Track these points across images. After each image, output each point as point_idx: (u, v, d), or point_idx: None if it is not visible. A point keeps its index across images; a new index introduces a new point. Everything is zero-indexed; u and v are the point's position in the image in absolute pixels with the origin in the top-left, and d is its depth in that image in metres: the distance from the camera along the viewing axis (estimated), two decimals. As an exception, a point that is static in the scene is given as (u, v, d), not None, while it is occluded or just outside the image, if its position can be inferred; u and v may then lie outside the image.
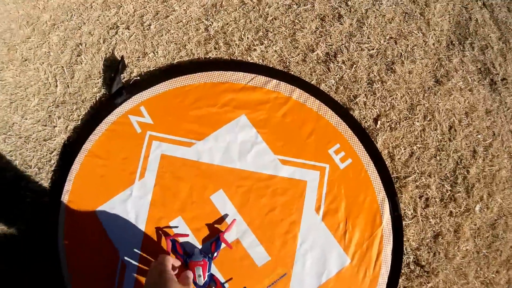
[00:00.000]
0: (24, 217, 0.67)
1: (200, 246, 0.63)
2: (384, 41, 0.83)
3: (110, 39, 0.78)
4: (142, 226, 0.63)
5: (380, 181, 0.69)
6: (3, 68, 0.76)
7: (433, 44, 0.87)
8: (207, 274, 0.60)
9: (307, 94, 0.71)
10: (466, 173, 0.78)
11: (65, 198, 0.65)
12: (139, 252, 0.63)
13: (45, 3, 0.79)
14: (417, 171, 0.76)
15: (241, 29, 0.79)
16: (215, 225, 0.63)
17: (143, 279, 0.61)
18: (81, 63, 0.76)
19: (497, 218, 0.80)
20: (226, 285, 0.62)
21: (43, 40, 0.78)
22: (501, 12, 0.97)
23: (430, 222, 0.75)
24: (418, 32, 0.87)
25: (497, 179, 0.81)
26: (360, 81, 0.79)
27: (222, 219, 0.64)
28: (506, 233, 0.80)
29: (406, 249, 0.74)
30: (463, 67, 0.87)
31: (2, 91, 0.74)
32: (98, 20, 0.79)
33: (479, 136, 0.82)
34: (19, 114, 0.73)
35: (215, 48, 0.77)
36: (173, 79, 0.71)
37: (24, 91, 0.75)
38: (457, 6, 0.94)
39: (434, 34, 0.88)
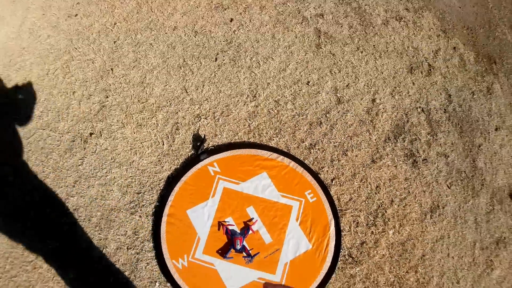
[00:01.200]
0: (141, 216, 1.97)
1: (239, 231, 1.90)
2: (344, 138, 2.14)
3: (196, 123, 2.13)
4: (210, 220, 1.88)
5: (331, 210, 1.95)
6: (123, 125, 2.12)
7: (375, 139, 2.17)
8: (242, 244, 1.85)
9: (297, 164, 2.02)
10: (384, 211, 2.02)
11: (168, 205, 1.94)
12: (208, 231, 1.89)
13: (150, 90, 2.18)
14: (353, 208, 2.00)
15: (267, 128, 2.13)
16: (247, 222, 1.88)
17: (208, 247, 1.87)
18: (179, 134, 2.09)
19: (406, 240, 2.01)
20: (250, 251, 1.86)
21: (152, 115, 2.13)
22: (437, 113, 2.29)
23: (358, 235, 1.96)
24: (366, 133, 2.17)
25: (407, 218, 2.03)
26: (326, 160, 2.09)
27: (251, 219, 1.89)
28: (413, 250, 1.99)
29: (342, 247, 1.95)
30: (393, 153, 2.16)
31: (123, 141, 2.08)
32: (188, 110, 2.15)
33: (397, 192, 2.08)
34: (137, 156, 2.05)
35: (253, 136, 2.10)
36: (231, 150, 2.04)
37: (140, 144, 2.07)
38: (399, 114, 2.26)
39: (377, 133, 2.18)
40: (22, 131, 2.08)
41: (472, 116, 2.30)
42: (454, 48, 2.50)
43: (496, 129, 2.29)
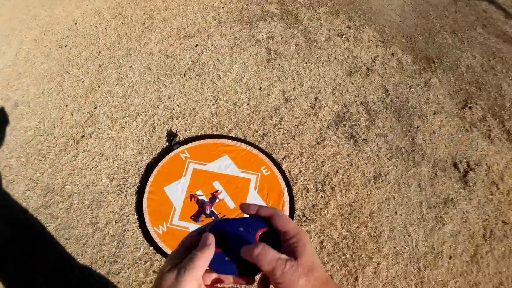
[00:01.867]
0: (126, 196, 2.88)
1: (207, 200, 2.80)
2: (292, 127, 3.09)
3: (169, 123, 3.07)
4: (184, 194, 2.71)
5: (283, 180, 2.86)
6: (109, 128, 3.08)
7: (319, 127, 3.13)
8: (211, 209, 2.76)
9: (253, 148, 2.96)
10: (331, 180, 2.90)
11: (148, 184, 2.81)
12: (182, 203, 2.76)
13: (131, 101, 3.19)
14: (302, 178, 2.88)
15: (227, 123, 3.13)
16: (214, 193, 2.73)
17: (183, 214, 2.77)
18: (155, 132, 3.00)
19: (353, 201, 2.83)
20: (218, 215, 2.74)
21: (132, 119, 3.07)
22: (375, 105, 3.27)
23: (309, 199, 2.80)
24: (311, 122, 3.13)
25: (352, 184, 2.89)
26: (277, 144, 2.99)
27: (217, 191, 2.74)
28: (361, 209, 2.74)
29: (296, 209, 2.79)
30: (335, 136, 3.09)
31: (110, 140, 2.99)
32: (162, 114, 3.08)
33: (341, 165, 2.99)
34: (121, 150, 2.92)
35: (216, 130, 3.07)
36: (198, 140, 3.00)
37: (124, 141, 2.96)
38: (340, 106, 3.25)
39: (320, 122, 3.13)
40: (21, 138, 2.98)
41: (410, 105, 3.18)
42: (392, 54, 3.50)
43: (434, 113, 3.12)
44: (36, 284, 2.43)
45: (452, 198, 2.74)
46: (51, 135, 3.03)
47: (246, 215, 0.72)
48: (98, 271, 2.46)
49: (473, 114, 3.19)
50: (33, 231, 2.62)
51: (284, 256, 0.60)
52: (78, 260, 2.50)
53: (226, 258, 0.66)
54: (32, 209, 2.68)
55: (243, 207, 0.71)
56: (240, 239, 0.67)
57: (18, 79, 3.31)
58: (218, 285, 0.69)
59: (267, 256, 0.60)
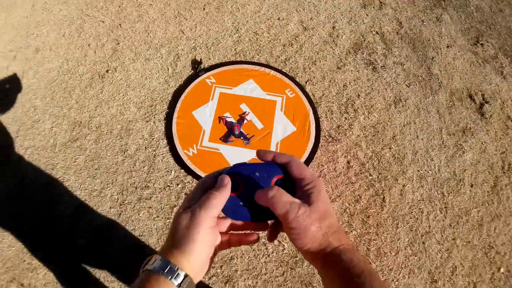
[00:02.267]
0: (155, 122, 2.69)
1: (235, 121, 2.59)
2: (312, 53, 2.91)
3: (193, 52, 2.84)
4: (212, 116, 2.51)
5: (308, 103, 2.67)
6: (134, 61, 2.86)
7: (338, 53, 2.95)
8: (239, 130, 2.57)
9: (276, 72, 2.74)
10: (353, 103, 2.74)
11: (176, 110, 2.59)
12: (211, 125, 2.56)
13: (153, 35, 2.98)
14: (326, 100, 2.70)
15: (249, 50, 2.93)
16: (242, 115, 2.53)
17: (212, 136, 2.56)
18: (180, 61, 2.78)
19: (376, 123, 2.68)
20: (247, 135, 2.56)
21: (156, 51, 2.86)
22: (390, 35, 3.10)
23: (334, 120, 2.64)
24: (330, 49, 2.95)
25: (374, 107, 2.74)
26: (299, 68, 2.79)
27: (244, 112, 2.55)
28: (384, 131, 2.64)
29: (322, 129, 2.62)
30: (354, 62, 2.92)
31: (135, 71, 2.76)
32: (185, 44, 2.86)
33: (362, 89, 2.82)
34: (147, 80, 2.69)
35: (239, 57, 2.87)
36: (223, 67, 2.78)
37: (149, 71, 2.73)
38: (357, 35, 3.06)
39: (339, 49, 2.95)
40: (45, 80, 2.77)
41: (424, 37, 3.03)
42: None
43: (447, 46, 2.96)
44: (63, 216, 2.30)
45: (470, 128, 2.61)
46: (75, 73, 2.81)
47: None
48: (129, 197, 2.33)
49: (485, 51, 3.03)
50: (62, 166, 2.47)
51: (297, 201, 0.57)
52: (109, 188, 2.36)
53: (241, 203, 0.63)
54: (60, 144, 2.51)
55: (260, 153, 0.68)
56: (256, 184, 0.64)
57: (37, 27, 3.06)
58: (233, 231, 0.66)
59: (281, 199, 0.57)
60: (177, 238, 0.56)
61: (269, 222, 0.64)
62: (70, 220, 2.27)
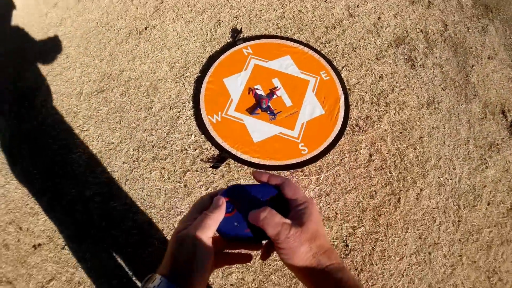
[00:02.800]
0: (185, 84, 2.43)
1: (265, 95, 2.32)
2: (354, 40, 2.57)
3: (234, 21, 2.54)
4: (242, 86, 2.22)
5: (341, 88, 2.36)
6: (174, 22, 2.58)
7: (379, 44, 2.62)
8: (267, 104, 2.28)
9: (314, 52, 2.42)
10: (386, 96, 2.42)
11: (208, 75, 2.31)
12: (239, 95, 2.29)
13: (197, 2, 2.70)
14: (359, 89, 2.37)
15: (291, 27, 2.61)
16: (272, 89, 2.24)
17: (239, 106, 2.29)
18: (220, 27, 2.47)
19: (405, 121, 2.38)
20: (274, 111, 2.28)
21: (198, 15, 2.55)
22: (434, 35, 2.74)
23: (364, 110, 2.33)
24: (372, 38, 2.61)
25: (406, 104, 2.42)
26: (338, 52, 2.46)
27: (275, 87, 2.24)
28: (412, 131, 2.34)
29: (350, 117, 2.32)
30: (394, 55, 2.58)
31: (173, 32, 2.50)
32: (228, 12, 2.54)
33: (397, 83, 2.49)
34: (184, 42, 2.41)
35: (280, 32, 2.57)
36: (262, 39, 2.46)
37: (188, 34, 2.45)
38: (401, 30, 2.71)
39: (381, 40, 2.61)
40: (82, 29, 2.55)
41: (466, 43, 2.66)
42: None
43: (488, 58, 2.60)
44: (75, 165, 2.12)
45: (497, 144, 2.30)
46: (113, 26, 2.57)
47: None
48: (144, 155, 2.11)
49: (525, 69, 2.58)
50: (84, 115, 2.28)
51: (288, 221, 0.55)
52: (126, 143, 2.16)
53: (235, 224, 0.60)
54: (86, 93, 2.31)
55: (255, 175, 0.64)
56: (250, 204, 0.60)
57: (83, -22, 2.75)
58: (227, 251, 0.63)
59: (273, 220, 0.55)
60: (178, 265, 0.53)
61: (263, 242, 0.61)
62: (81, 170, 2.08)
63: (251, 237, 0.59)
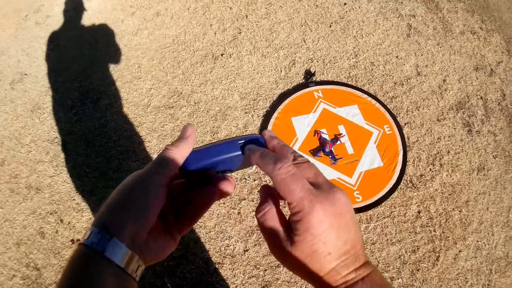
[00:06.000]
0: (253, 116, 2.55)
1: (329, 139, 2.42)
2: (418, 98, 2.67)
3: (309, 63, 2.67)
4: (309, 128, 2.35)
5: (401, 143, 2.45)
6: (250, 53, 2.71)
7: (442, 106, 2.70)
8: (330, 149, 2.39)
9: (381, 105, 2.53)
10: (442, 157, 2.51)
11: (277, 111, 2.44)
12: (305, 135, 2.40)
13: (276, 35, 2.82)
14: (417, 147, 2.44)
15: (362, 77, 2.72)
16: (337, 135, 2.35)
17: (303, 146, 2.42)
18: (295, 67, 2.61)
19: (456, 183, 2.46)
20: (336, 156, 2.39)
21: (275, 51, 2.67)
22: (492, 104, 2.81)
23: (419, 168, 2.40)
24: (436, 99, 2.70)
25: (458, 168, 2.51)
26: (403, 109, 2.60)
27: (340, 134, 2.36)
28: (460, 194, 2.35)
29: (406, 173, 2.42)
30: (454, 119, 2.66)
31: (249, 63, 2.66)
32: (304, 53, 2.69)
33: (453, 147, 2.57)
34: (258, 75, 2.54)
35: (350, 81, 2.67)
36: (333, 85, 2.59)
37: (263, 68, 2.58)
38: (463, 94, 2.77)
39: (443, 102, 2.69)
40: (158, 43, 2.68)
41: None
42: None
43: None
44: (130, 173, 2.20)
45: None
46: (189, 46, 2.70)
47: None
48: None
49: None
50: (148, 127, 2.39)
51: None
52: None
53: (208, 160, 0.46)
54: (153, 107, 2.42)
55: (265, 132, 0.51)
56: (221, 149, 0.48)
57: (164, -6, 2.91)
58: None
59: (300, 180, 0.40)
60: (112, 211, 0.41)
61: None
62: None
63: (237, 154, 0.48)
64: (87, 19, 2.79)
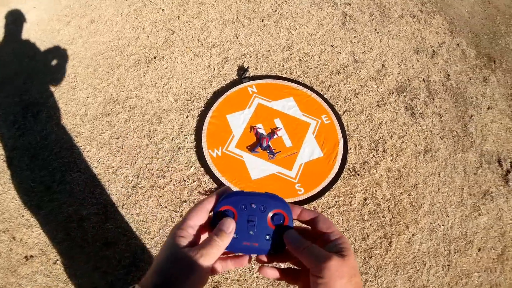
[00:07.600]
0: (188, 117, 2.43)
1: (266, 134, 2.32)
2: (356, 85, 2.57)
3: (242, 59, 2.58)
4: (245, 124, 2.25)
5: (341, 132, 2.36)
6: (183, 54, 2.58)
7: (381, 91, 2.62)
8: (268, 143, 2.28)
9: (317, 96, 2.44)
10: (384, 142, 2.42)
11: (212, 109, 2.34)
12: (241, 132, 2.30)
13: (208, 34, 2.72)
14: (358, 134, 2.36)
15: (297, 69, 2.63)
16: (274, 129, 2.26)
17: (240, 143, 2.31)
18: (228, 64, 2.53)
19: (401, 168, 2.37)
20: (273, 150, 2.28)
21: (207, 50, 2.59)
22: (436, 85, 2.71)
23: (361, 155, 2.32)
24: (375, 85, 2.62)
25: (403, 151, 2.43)
26: (341, 97, 2.49)
27: (277, 127, 2.27)
28: (407, 177, 2.31)
29: (348, 161, 2.31)
30: (395, 103, 2.58)
31: (182, 64, 2.52)
32: (236, 50, 2.58)
33: (396, 131, 2.48)
34: (192, 75, 2.46)
35: (285, 73, 2.58)
36: (267, 79, 2.50)
37: (195, 67, 2.50)
38: (403, 78, 2.70)
39: (383, 87, 2.59)
40: (92, 51, 2.59)
41: (467, 94, 2.67)
42: (458, 44, 2.93)
43: (488, 108, 2.61)
44: (74, 183, 2.14)
45: (491, 192, 2.29)
46: (123, 52, 2.63)
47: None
48: (143, 182, 2.13)
49: (524, 120, 2.62)
50: (87, 136, 2.31)
51: (323, 252, 0.51)
52: (126, 168, 2.17)
53: (235, 236, 0.56)
54: (91, 115, 2.35)
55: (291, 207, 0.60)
56: (252, 214, 0.57)
57: (98, 0, 2.88)
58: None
59: (316, 251, 0.52)
60: (166, 280, 0.48)
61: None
62: (80, 189, 2.10)
63: (267, 249, 0.57)
64: (26, 32, 2.70)
